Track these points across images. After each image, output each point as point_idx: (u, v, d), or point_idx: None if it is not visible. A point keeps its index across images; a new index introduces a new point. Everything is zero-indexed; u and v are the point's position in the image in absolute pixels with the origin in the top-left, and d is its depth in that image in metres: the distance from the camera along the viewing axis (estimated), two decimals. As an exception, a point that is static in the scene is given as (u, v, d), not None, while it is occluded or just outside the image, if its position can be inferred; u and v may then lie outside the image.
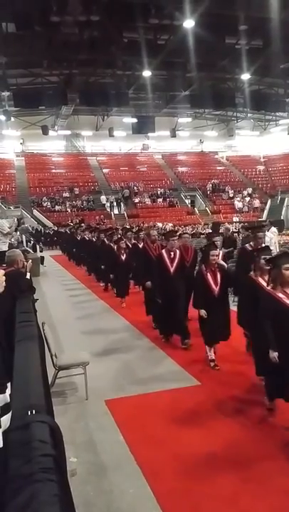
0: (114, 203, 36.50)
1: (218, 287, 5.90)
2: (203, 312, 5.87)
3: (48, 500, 1.16)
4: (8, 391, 2.24)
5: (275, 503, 3.25)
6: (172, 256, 7.02)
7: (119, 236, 11.69)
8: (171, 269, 6.95)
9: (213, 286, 5.90)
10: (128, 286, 10.61)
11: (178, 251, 7.10)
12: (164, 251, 7.21)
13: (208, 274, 5.96)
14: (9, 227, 8.84)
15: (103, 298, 11.35)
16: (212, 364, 5.93)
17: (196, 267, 7.61)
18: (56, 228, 30.43)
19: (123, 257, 10.25)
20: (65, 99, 26.77)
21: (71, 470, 3.49)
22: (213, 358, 5.97)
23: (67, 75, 26.14)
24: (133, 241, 11.61)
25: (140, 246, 10.26)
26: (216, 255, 6.02)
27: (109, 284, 12.07)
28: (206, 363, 6.07)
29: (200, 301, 6.03)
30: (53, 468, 1.31)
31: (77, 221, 29.68)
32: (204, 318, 5.89)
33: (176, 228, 26.49)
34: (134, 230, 14.19)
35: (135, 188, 38.18)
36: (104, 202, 36.31)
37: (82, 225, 23.51)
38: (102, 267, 11.86)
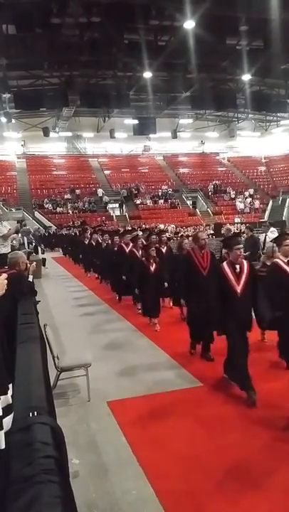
0: (116, 205, 36.65)
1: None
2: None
3: (49, 502, 1.16)
4: (10, 392, 2.24)
5: (277, 504, 3.24)
6: (238, 271, 5.11)
7: (154, 240, 9.76)
8: (238, 289, 5.04)
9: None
10: (159, 302, 8.63)
11: (245, 264, 5.21)
12: (225, 264, 5.26)
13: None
14: (9, 229, 8.81)
15: (106, 301, 11.35)
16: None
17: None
18: (56, 230, 30.23)
19: (152, 268, 8.33)
20: (66, 100, 26.85)
21: (73, 471, 3.48)
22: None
23: (68, 77, 26.21)
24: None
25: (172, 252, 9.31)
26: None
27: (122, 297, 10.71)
28: (208, 364, 6.06)
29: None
30: (55, 470, 1.30)
31: (79, 223, 29.65)
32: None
33: (177, 229, 26.55)
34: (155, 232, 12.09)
35: (135, 188, 38.18)
36: (100, 195, 36.53)
37: (87, 227, 21.97)
38: (124, 277, 9.90)
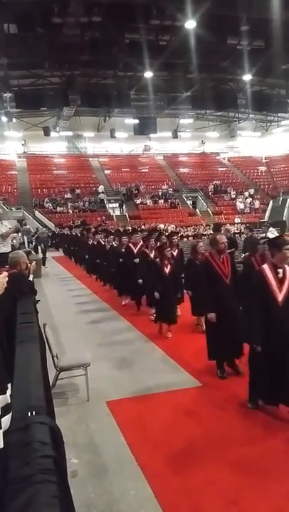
0: (116, 205, 36.68)
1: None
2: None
3: (47, 502, 1.16)
4: (8, 392, 2.24)
5: (276, 504, 3.24)
6: (281, 276, 4.49)
7: (163, 241, 9.10)
8: (280, 297, 4.44)
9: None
10: (175, 308, 8.13)
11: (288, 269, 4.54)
12: (266, 267, 4.57)
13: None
14: (9, 229, 8.79)
15: (105, 299, 11.35)
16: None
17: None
18: (58, 229, 30.07)
19: (167, 269, 7.77)
20: (67, 100, 26.87)
21: (72, 471, 3.48)
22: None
23: (69, 76, 26.21)
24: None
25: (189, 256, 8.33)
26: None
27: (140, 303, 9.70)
28: (207, 364, 6.06)
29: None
30: (53, 470, 1.30)
31: (79, 222, 29.61)
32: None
33: (177, 229, 26.51)
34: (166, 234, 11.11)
35: (136, 188, 38.18)
36: (100, 191, 36.81)
37: (90, 227, 21.15)
38: (140, 281, 8.92)
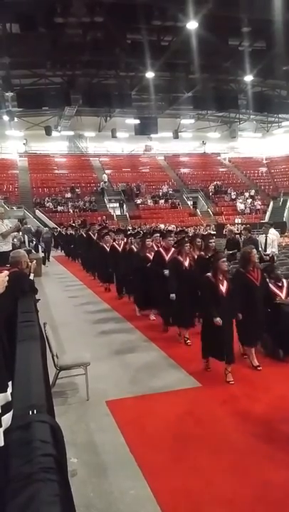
0: (117, 204, 36.72)
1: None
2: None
3: (48, 500, 1.16)
4: (9, 390, 2.24)
5: (275, 506, 3.25)
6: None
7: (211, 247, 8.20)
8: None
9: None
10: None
11: None
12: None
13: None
14: (10, 228, 8.80)
15: (105, 299, 11.35)
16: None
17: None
18: (61, 229, 29.30)
19: (223, 287, 6.21)
20: (69, 100, 26.86)
21: (71, 471, 3.48)
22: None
23: (71, 76, 26.22)
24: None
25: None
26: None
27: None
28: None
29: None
30: (54, 468, 1.30)
31: (80, 222, 29.45)
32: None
33: (177, 229, 26.41)
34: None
35: (136, 188, 38.19)
36: (104, 180, 37.33)
37: (96, 226, 18.15)
38: (173, 296, 7.30)
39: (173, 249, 8.11)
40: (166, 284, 7.38)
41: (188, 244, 7.61)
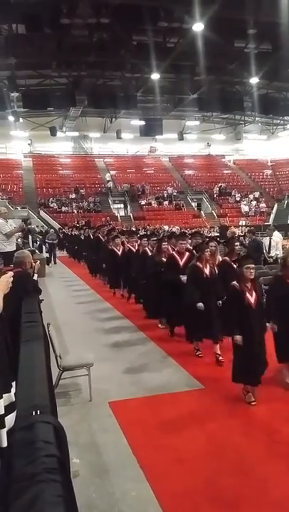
0: (121, 205, 36.78)
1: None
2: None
3: (51, 501, 1.16)
4: (13, 390, 2.25)
5: (276, 508, 3.24)
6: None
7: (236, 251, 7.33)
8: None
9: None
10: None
11: None
12: None
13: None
14: (14, 228, 8.83)
15: (108, 299, 11.35)
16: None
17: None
18: (66, 229, 28.98)
19: (252, 298, 5.53)
20: (74, 100, 26.91)
21: (74, 471, 3.49)
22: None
23: (76, 77, 26.25)
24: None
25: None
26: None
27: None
28: (210, 366, 6.06)
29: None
30: (57, 469, 1.31)
31: (84, 222, 29.47)
32: None
33: (181, 231, 26.31)
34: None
35: (141, 189, 38.21)
36: (108, 179, 37.57)
37: (105, 227, 17.50)
38: (200, 305, 6.47)
39: (187, 253, 7.58)
40: (183, 293, 6.74)
41: (208, 249, 6.74)
